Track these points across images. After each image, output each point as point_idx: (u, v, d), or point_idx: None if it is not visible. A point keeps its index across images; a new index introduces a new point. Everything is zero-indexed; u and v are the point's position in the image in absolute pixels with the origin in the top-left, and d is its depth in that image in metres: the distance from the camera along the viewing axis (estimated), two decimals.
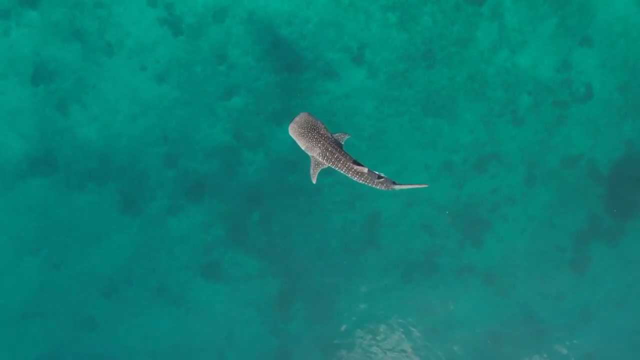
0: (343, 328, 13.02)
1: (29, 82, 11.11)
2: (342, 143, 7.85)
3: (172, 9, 11.09)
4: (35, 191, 11.62)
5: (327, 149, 7.59)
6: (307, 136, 7.62)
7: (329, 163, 7.64)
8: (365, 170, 7.48)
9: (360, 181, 7.63)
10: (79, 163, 11.63)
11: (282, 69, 11.44)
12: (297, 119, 7.75)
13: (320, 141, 7.59)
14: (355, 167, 7.52)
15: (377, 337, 13.13)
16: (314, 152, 7.68)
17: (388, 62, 11.59)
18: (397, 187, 7.78)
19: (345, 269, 12.67)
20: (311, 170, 7.86)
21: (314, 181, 7.94)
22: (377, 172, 7.60)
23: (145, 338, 12.79)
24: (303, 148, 7.75)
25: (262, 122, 11.68)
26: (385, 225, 12.48)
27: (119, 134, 11.58)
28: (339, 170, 7.66)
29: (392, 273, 12.73)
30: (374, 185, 7.68)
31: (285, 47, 11.38)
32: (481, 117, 11.97)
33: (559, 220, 12.63)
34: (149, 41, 11.20)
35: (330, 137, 7.72)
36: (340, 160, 7.56)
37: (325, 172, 12.03)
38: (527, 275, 12.90)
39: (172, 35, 11.19)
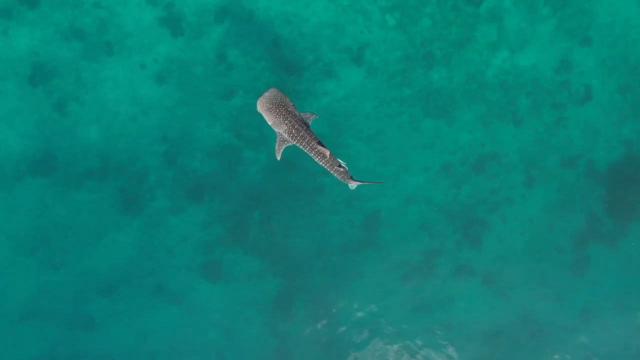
0: (342, 328, 13.02)
1: (28, 82, 11.10)
2: (309, 123, 7.86)
3: (172, 9, 11.09)
4: (34, 190, 11.59)
5: (293, 127, 7.62)
6: (274, 112, 7.66)
7: (294, 141, 7.67)
8: (327, 153, 7.51)
9: (321, 163, 7.65)
10: (78, 162, 11.61)
11: (281, 69, 11.45)
12: (266, 94, 7.80)
13: (287, 118, 7.63)
14: (319, 147, 7.54)
15: (376, 338, 13.13)
16: (280, 129, 7.72)
17: (387, 62, 11.60)
18: (353, 183, 7.78)
19: (345, 269, 12.67)
20: (276, 147, 7.90)
21: (278, 157, 7.97)
22: (338, 160, 7.62)
23: (144, 337, 12.76)
24: (270, 123, 7.77)
25: (262, 121, 11.64)
26: (384, 226, 12.49)
27: (118, 134, 11.57)
28: (303, 149, 7.68)
29: (391, 273, 12.74)
30: (332, 172, 7.69)
31: (285, 47, 11.38)
32: (480, 118, 11.99)
33: (558, 221, 12.65)
34: (149, 41, 11.19)
35: (298, 115, 7.76)
36: (305, 138, 7.59)
37: (324, 173, 12.10)
38: (526, 276, 12.92)
39: (171, 35, 11.19)
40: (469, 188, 12.38)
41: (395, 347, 13.16)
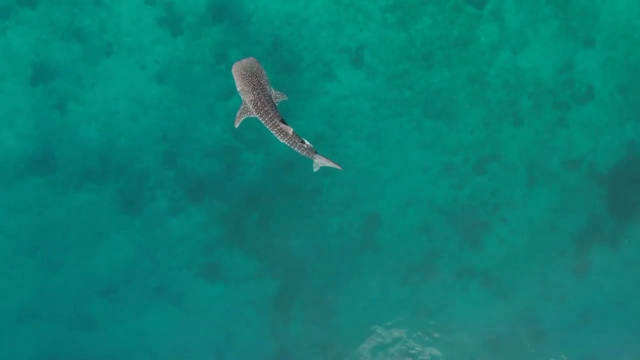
0: (342, 329, 12.98)
1: (27, 82, 11.10)
2: (277, 102, 7.91)
3: (172, 9, 11.07)
4: (34, 190, 11.59)
5: (259, 99, 7.67)
6: (246, 79, 7.72)
7: (257, 114, 7.71)
8: (290, 131, 7.52)
9: (283, 141, 7.67)
10: (77, 162, 11.60)
11: (281, 70, 11.42)
12: (244, 60, 7.87)
13: (256, 89, 7.68)
14: (281, 125, 7.56)
15: (376, 339, 13.09)
16: (247, 98, 7.77)
17: (387, 62, 11.55)
18: (317, 158, 7.79)
19: (344, 270, 12.64)
20: (237, 114, 7.93)
21: (236, 125, 8.00)
22: (301, 137, 7.62)
23: (143, 338, 12.77)
24: (238, 90, 7.83)
25: (261, 123, 11.64)
26: (384, 227, 12.44)
27: (118, 134, 11.56)
28: (265, 124, 7.72)
29: (391, 274, 12.70)
30: (295, 149, 7.71)
31: (285, 48, 11.34)
32: (481, 119, 11.93)
33: (560, 222, 12.58)
34: (148, 41, 11.18)
35: (268, 90, 7.82)
36: (268, 114, 7.63)
37: (324, 173, 12.09)
38: (528, 277, 12.86)
39: (171, 35, 11.17)
40: (470, 189, 12.32)
41: (395, 348, 13.13)
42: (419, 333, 13.06)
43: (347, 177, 12.09)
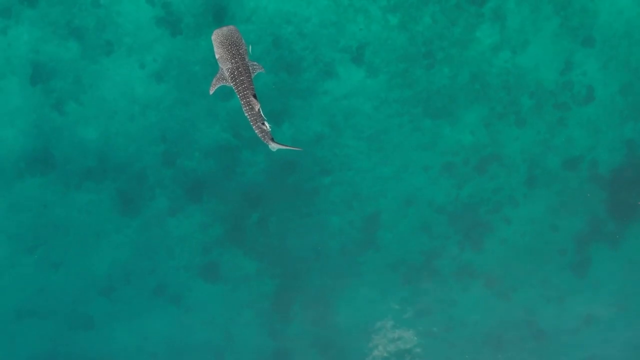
0: (341, 330, 12.97)
1: (27, 81, 11.06)
2: (254, 74, 7.89)
3: (171, 8, 11.04)
4: (33, 190, 11.57)
5: (237, 69, 7.65)
6: (226, 47, 7.70)
7: (232, 83, 7.69)
8: (257, 107, 7.49)
9: (247, 115, 7.66)
10: (77, 162, 11.58)
11: (281, 69, 11.39)
12: (225, 28, 7.86)
13: (235, 58, 7.66)
14: (251, 98, 7.53)
15: (376, 340, 13.08)
16: (225, 66, 7.74)
17: (388, 62, 11.53)
18: (273, 145, 7.77)
19: (344, 271, 12.62)
20: (213, 81, 7.91)
21: (211, 92, 7.97)
22: (264, 118, 7.60)
23: (142, 338, 12.76)
24: (217, 57, 7.80)
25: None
26: (384, 227, 12.43)
27: (117, 133, 11.53)
28: (237, 94, 7.70)
29: (391, 275, 12.68)
30: (254, 127, 7.69)
31: (285, 47, 11.32)
32: (482, 119, 11.92)
33: (560, 222, 12.58)
34: (148, 40, 11.15)
35: (246, 61, 7.79)
36: (243, 84, 7.61)
37: (324, 173, 12.07)
38: (528, 277, 12.86)
39: (170, 34, 11.14)
40: (470, 189, 12.32)
41: (396, 348, 13.11)
42: (420, 332, 13.06)
43: (348, 177, 12.09)
